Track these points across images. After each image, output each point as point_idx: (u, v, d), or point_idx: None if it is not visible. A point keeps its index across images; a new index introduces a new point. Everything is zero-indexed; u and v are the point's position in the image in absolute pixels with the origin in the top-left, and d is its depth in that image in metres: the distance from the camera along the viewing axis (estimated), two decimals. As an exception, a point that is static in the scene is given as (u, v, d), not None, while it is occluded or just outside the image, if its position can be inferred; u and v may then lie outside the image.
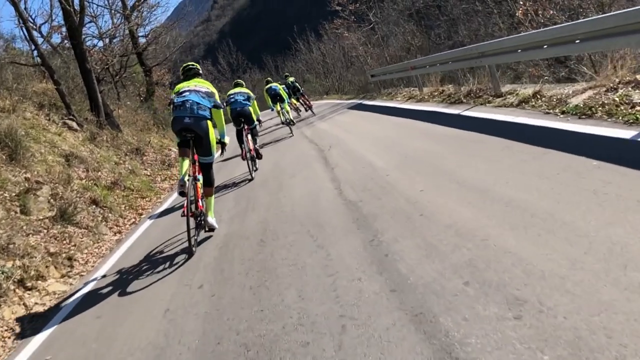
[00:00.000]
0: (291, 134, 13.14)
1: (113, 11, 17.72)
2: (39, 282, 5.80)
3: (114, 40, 19.35)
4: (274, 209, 5.76)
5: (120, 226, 8.49)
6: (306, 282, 3.39)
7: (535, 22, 10.48)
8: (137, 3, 18.61)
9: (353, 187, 5.43)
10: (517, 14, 11.27)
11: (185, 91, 5.31)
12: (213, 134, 5.37)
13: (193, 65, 5.86)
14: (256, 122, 9.45)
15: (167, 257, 5.35)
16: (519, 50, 7.05)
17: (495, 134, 5.69)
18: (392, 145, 7.28)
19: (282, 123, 14.48)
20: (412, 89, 14.10)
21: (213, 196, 5.59)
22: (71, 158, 10.18)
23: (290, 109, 14.74)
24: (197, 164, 5.36)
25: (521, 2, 10.92)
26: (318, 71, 36.01)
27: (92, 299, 4.83)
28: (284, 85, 16.31)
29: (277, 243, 4.43)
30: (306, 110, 18.42)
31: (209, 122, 5.27)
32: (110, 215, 8.76)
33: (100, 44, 18.93)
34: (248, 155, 8.67)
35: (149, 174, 12.53)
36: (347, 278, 3.22)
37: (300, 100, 18.32)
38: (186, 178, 5.04)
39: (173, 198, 9.60)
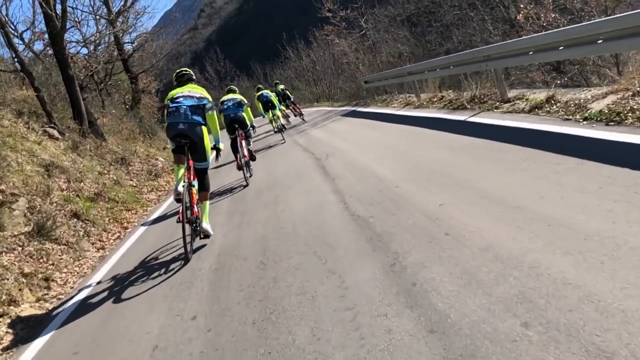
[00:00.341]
0: (283, 141, 13.00)
1: (97, 17, 17.15)
2: (11, 307, 5.22)
3: (99, 48, 18.81)
4: (273, 225, 5.24)
5: (104, 241, 7.92)
6: (320, 317, 2.87)
7: (537, 26, 10.12)
8: (122, 8, 18.04)
9: (360, 201, 4.94)
10: (517, 17, 10.92)
11: (179, 97, 5.34)
12: (208, 140, 5.37)
13: (186, 71, 5.87)
14: (250, 128, 9.38)
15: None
16: (531, 52, 6.63)
17: (513, 142, 5.24)
18: (397, 154, 6.81)
19: (275, 131, 14.15)
20: (408, 95, 13.69)
21: (208, 201, 5.56)
22: (51, 168, 9.58)
23: (281, 115, 14.39)
24: (192, 169, 5.32)
25: (522, 6, 10.57)
26: (307, 78, 35.58)
27: (70, 330, 4.27)
28: (274, 93, 16.01)
29: (280, 266, 3.91)
30: (296, 117, 18.30)
31: (204, 128, 5.29)
32: (92, 229, 8.19)
33: (85, 51, 18.38)
34: (242, 161, 8.54)
35: (134, 184, 11.94)
36: (370, 313, 2.71)
37: (291, 108, 18.09)
38: (181, 185, 5.02)
39: (166, 205, 9.13)
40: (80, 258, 6.95)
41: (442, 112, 9.12)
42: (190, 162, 5.31)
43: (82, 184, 9.90)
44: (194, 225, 5.22)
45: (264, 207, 6.22)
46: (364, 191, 5.26)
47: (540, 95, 6.82)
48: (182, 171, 5.20)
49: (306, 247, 4.12)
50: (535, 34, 6.74)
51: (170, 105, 5.28)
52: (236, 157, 8.76)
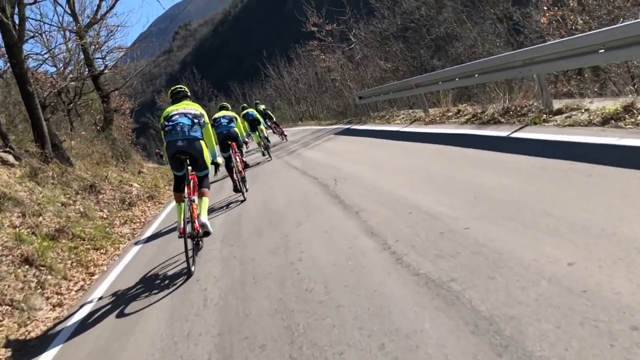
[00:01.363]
0: (269, 158, 12.58)
1: (63, 29, 15.52)
2: None
3: (69, 66, 17.24)
4: (293, 284, 3.71)
5: (62, 294, 6.30)
6: None
7: (565, 31, 8.94)
8: (92, 20, 16.45)
9: (417, 249, 3.50)
10: (541, 20, 9.76)
11: (174, 115, 5.39)
12: (207, 152, 5.48)
13: (181, 88, 5.93)
14: (243, 140, 9.52)
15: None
16: (601, 50, 5.34)
17: (610, 163, 3.89)
18: (435, 178, 5.41)
19: (262, 151, 13.31)
20: (411, 110, 12.43)
21: (208, 198, 5.62)
22: (3, 200, 7.99)
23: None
24: (191, 184, 5.40)
25: (545, 8, 9.41)
26: (289, 97, 34.27)
27: None
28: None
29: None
30: (278, 136, 17.99)
31: (202, 142, 5.38)
32: (49, 277, 6.57)
33: (53, 69, 16.76)
34: (239, 176, 8.43)
35: (105, 216, 10.32)
36: None
37: (272, 127, 17.87)
38: (182, 223, 5.08)
39: (157, 223, 7.65)
40: (28, 322, 5.34)
41: (467, 127, 7.81)
42: (192, 176, 5.43)
43: (40, 218, 8.30)
44: (196, 239, 5.32)
45: (271, 253, 4.70)
46: (416, 233, 3.81)
47: (613, 104, 5.52)
48: (182, 207, 5.28)
49: (361, 334, 2.63)
50: (604, 29, 5.48)
51: (167, 124, 5.31)
52: (232, 178, 8.51)
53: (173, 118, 5.33)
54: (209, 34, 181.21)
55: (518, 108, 7.12)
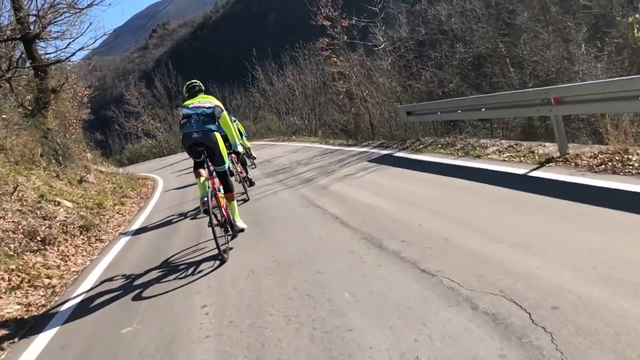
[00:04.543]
0: (245, 197, 8.26)
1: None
2: None
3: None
4: None
5: None
6: None
7: None
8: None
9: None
10: None
11: (190, 108, 5.51)
12: (223, 144, 5.50)
13: (196, 82, 6.11)
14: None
15: None
16: None
17: None
18: None
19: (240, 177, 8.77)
20: (497, 140, 8.19)
21: (235, 201, 5.90)
22: None
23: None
24: (213, 175, 5.54)
25: None
26: (278, 106, 29.62)
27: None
28: None
29: None
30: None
31: (217, 134, 5.45)
32: None
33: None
34: (240, 177, 8.45)
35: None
36: None
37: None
38: (206, 197, 5.17)
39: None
40: None
41: None
42: (212, 179, 5.50)
43: None
44: (225, 227, 5.38)
45: None
46: None
47: None
48: (203, 183, 5.45)
49: None
50: None
51: (183, 117, 5.46)
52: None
53: (188, 111, 5.45)
54: (187, 36, 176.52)
55: None
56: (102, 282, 5.47)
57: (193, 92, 5.93)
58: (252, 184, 9.09)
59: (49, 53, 13.78)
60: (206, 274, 4.78)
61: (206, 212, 5.10)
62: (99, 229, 8.55)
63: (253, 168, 12.16)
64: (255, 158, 12.95)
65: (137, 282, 5.11)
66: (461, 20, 18.01)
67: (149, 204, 11.18)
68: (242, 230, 5.73)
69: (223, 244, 5.11)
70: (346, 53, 17.75)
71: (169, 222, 8.21)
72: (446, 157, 8.14)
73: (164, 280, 4.93)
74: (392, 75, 16.59)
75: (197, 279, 4.70)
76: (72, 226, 7.99)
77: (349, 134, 17.29)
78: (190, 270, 5.03)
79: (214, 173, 5.57)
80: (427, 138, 10.43)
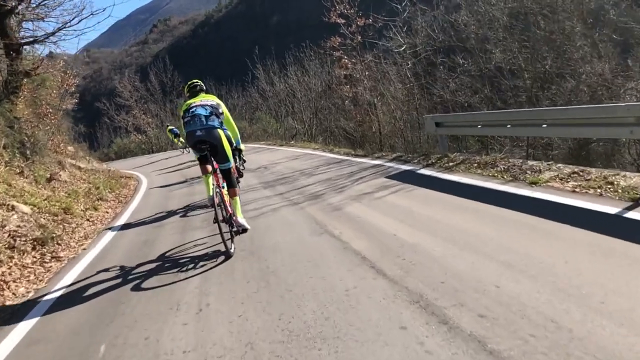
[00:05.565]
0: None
1: None
2: None
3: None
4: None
5: None
6: None
7: None
8: None
9: None
10: None
11: (193, 107, 5.56)
12: (226, 141, 5.56)
13: (197, 82, 6.17)
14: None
15: None
16: None
17: None
18: None
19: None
20: (550, 163, 6.73)
21: (238, 196, 5.79)
22: None
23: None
24: (217, 172, 5.63)
25: None
26: (277, 109, 28.07)
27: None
28: None
29: None
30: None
31: (220, 131, 5.49)
32: None
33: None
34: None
35: None
36: None
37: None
38: (212, 193, 5.72)
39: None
40: None
41: None
42: (217, 164, 5.58)
43: None
44: (230, 222, 5.43)
45: None
46: None
47: None
48: (210, 180, 5.91)
49: None
50: None
51: (186, 115, 5.50)
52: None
53: (191, 110, 5.50)
54: (187, 33, 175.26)
55: None
56: (42, 325, 3.95)
57: (194, 92, 6.01)
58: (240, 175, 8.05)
59: (28, 34, 12.15)
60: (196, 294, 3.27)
61: (212, 206, 5.30)
62: (59, 241, 6.99)
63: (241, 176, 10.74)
64: (245, 161, 11.51)
65: (90, 328, 3.58)
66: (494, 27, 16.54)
67: (127, 209, 9.66)
68: (245, 230, 5.59)
69: (228, 239, 5.20)
70: (359, 54, 16.26)
71: (145, 231, 6.77)
72: (489, 181, 6.63)
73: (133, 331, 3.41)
74: (411, 82, 15.09)
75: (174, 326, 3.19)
76: (23, 239, 6.45)
77: (354, 142, 15.81)
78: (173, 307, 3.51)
79: (218, 170, 5.62)
80: (457, 154, 8.89)
